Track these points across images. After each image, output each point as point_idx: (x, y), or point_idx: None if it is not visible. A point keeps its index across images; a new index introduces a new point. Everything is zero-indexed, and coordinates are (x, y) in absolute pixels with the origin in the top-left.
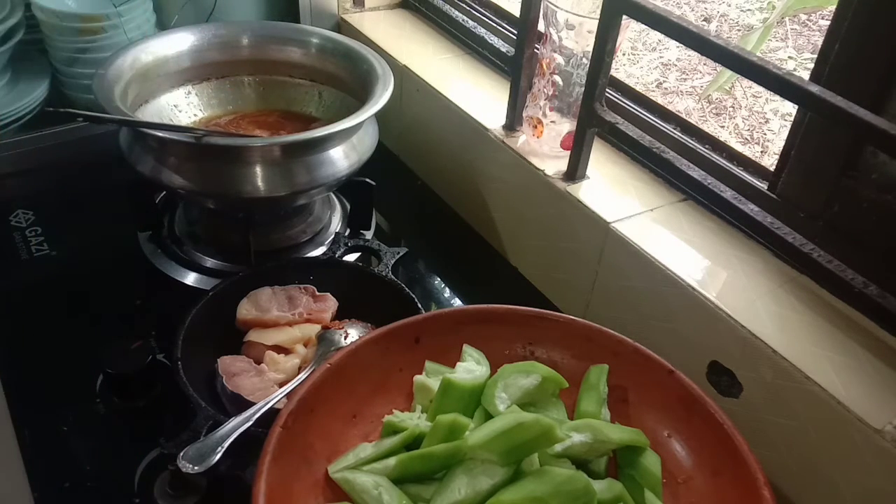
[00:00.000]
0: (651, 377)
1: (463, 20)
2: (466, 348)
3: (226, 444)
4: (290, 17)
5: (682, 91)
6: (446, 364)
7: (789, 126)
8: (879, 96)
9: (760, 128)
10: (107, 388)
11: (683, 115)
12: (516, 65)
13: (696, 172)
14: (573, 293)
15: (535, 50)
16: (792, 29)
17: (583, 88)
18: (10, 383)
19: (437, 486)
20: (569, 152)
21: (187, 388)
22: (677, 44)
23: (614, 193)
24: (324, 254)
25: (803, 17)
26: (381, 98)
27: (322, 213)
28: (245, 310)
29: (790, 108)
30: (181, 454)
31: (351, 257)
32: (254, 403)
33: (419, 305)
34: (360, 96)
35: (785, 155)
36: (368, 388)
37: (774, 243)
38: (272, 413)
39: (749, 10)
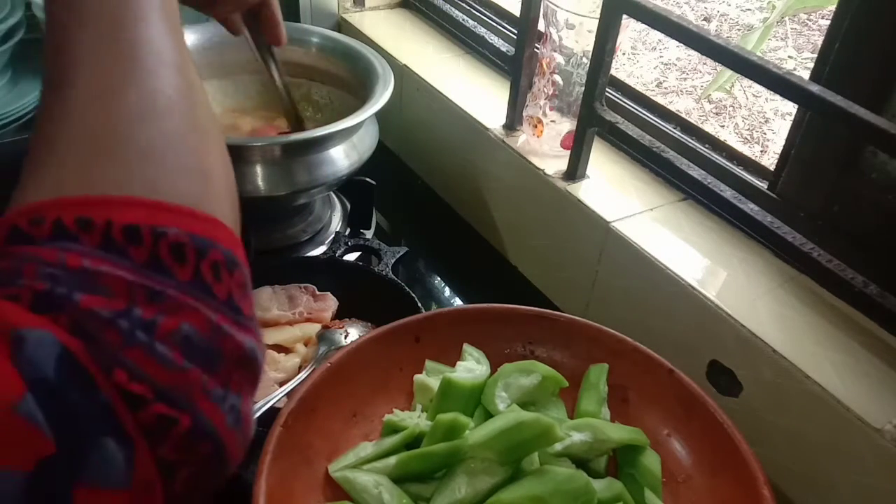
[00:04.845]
0: (651, 376)
1: (463, 20)
2: (466, 347)
3: None
4: (290, 16)
5: (682, 91)
6: (446, 363)
7: (789, 125)
8: (879, 96)
9: (760, 127)
10: None
11: (683, 115)
12: (516, 64)
13: (696, 172)
14: (573, 293)
15: (536, 49)
16: (792, 29)
17: (583, 88)
18: None
19: (437, 486)
20: (569, 152)
21: None
22: (677, 43)
23: (614, 193)
24: (324, 253)
25: (803, 16)
26: (381, 97)
27: (322, 212)
28: None
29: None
30: None
31: (351, 257)
32: (254, 402)
33: (419, 305)
34: (361, 96)
35: (785, 154)
36: (369, 387)
37: (774, 243)
38: (272, 412)
39: (749, 9)
